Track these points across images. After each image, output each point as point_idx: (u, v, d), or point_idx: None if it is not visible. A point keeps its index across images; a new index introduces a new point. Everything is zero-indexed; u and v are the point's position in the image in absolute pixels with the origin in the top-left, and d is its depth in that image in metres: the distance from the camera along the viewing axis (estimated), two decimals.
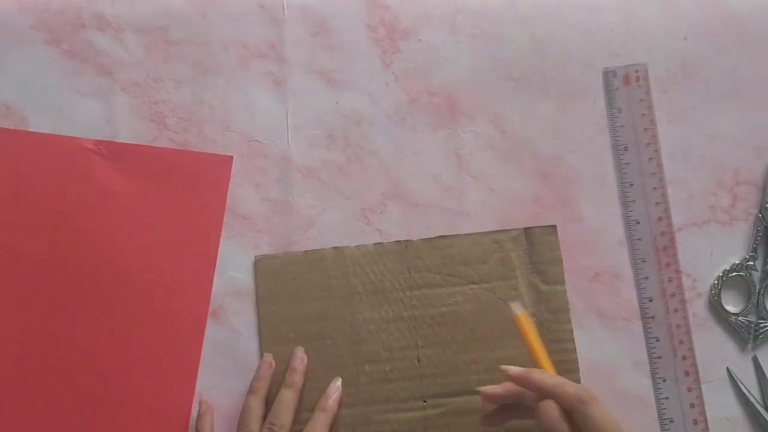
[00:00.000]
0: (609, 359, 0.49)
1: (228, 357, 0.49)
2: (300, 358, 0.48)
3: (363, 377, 0.49)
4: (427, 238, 0.50)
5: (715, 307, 0.50)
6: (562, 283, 0.50)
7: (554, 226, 0.50)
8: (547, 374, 0.42)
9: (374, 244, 0.50)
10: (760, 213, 0.50)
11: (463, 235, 0.50)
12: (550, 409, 0.40)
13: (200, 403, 0.49)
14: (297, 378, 0.48)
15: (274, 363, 0.48)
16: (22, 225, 0.50)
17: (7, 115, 0.52)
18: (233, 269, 0.50)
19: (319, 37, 0.53)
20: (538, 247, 0.50)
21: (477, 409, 0.48)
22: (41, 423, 0.48)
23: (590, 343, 0.49)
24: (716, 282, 0.50)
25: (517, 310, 0.46)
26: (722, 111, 0.52)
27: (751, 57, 0.53)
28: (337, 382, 0.48)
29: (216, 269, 0.50)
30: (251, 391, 0.47)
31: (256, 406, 0.47)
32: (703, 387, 0.49)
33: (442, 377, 0.49)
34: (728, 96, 0.52)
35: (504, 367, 0.43)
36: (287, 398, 0.47)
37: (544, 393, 0.41)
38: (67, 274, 0.50)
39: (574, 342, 0.49)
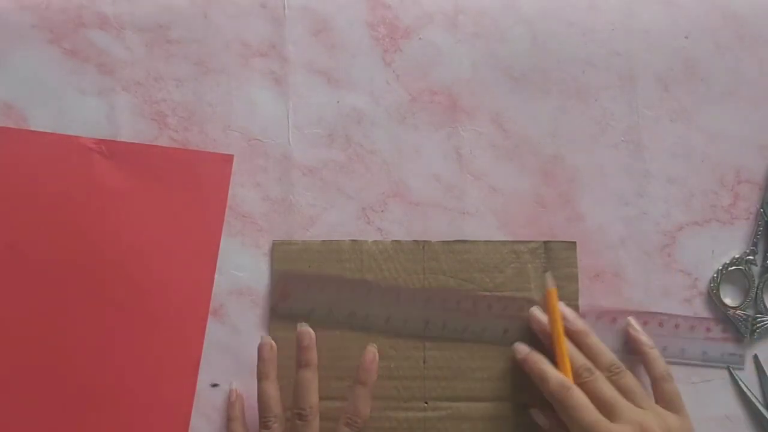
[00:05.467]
0: None
1: (229, 356, 0.50)
2: (306, 333, 0.46)
3: None
4: (445, 241, 0.50)
5: (713, 300, 0.50)
6: (576, 299, 0.49)
7: (574, 243, 0.50)
8: (539, 363, 0.46)
9: (392, 241, 0.50)
10: (762, 208, 0.50)
11: (482, 241, 0.50)
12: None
13: (230, 392, 0.49)
14: (311, 355, 0.46)
15: (274, 344, 0.47)
16: (23, 224, 0.50)
17: (8, 114, 0.52)
18: (234, 268, 0.50)
19: (320, 36, 0.53)
20: (555, 261, 0.50)
21: (477, 416, 0.48)
22: (42, 420, 0.49)
23: None
24: (716, 275, 0.50)
25: (551, 283, 0.47)
26: (724, 110, 0.52)
27: (753, 55, 0.52)
28: (374, 349, 0.47)
29: (217, 268, 0.50)
30: (262, 376, 0.46)
31: (272, 390, 0.46)
32: (703, 386, 0.49)
33: (446, 381, 0.49)
34: (730, 95, 0.52)
35: (517, 344, 0.47)
36: (307, 379, 0.45)
37: (533, 379, 0.46)
38: (68, 273, 0.50)
39: None
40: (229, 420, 0.48)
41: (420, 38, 0.53)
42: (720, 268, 0.50)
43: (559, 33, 0.53)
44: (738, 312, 0.49)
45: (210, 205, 0.51)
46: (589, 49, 0.53)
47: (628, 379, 0.45)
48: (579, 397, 0.43)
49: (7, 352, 0.49)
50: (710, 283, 0.50)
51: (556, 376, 0.45)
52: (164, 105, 0.52)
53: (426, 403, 0.49)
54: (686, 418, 0.45)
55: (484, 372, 0.49)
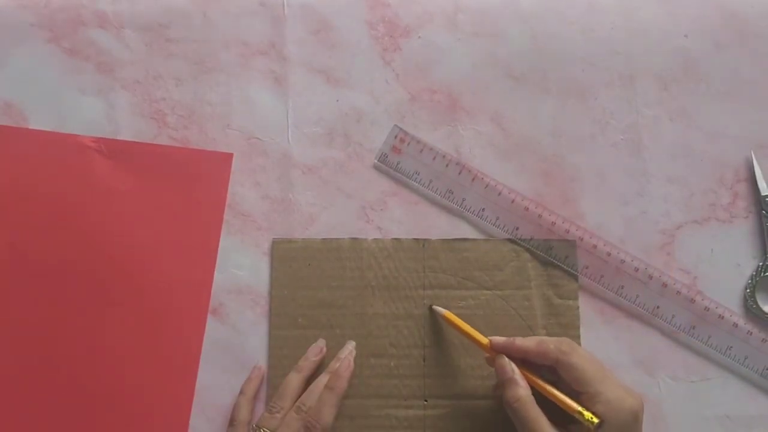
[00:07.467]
0: (610, 357, 0.49)
1: (228, 354, 0.49)
2: (317, 347, 0.49)
3: (367, 370, 0.49)
4: (445, 239, 0.50)
5: (749, 307, 0.49)
6: (576, 298, 0.50)
7: (574, 241, 0.50)
8: (527, 338, 0.44)
9: (392, 239, 0.50)
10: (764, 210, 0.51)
11: (482, 239, 0.50)
12: (504, 361, 0.44)
13: (254, 368, 0.49)
14: (306, 365, 0.48)
15: (325, 349, 0.48)
16: (23, 222, 0.50)
17: (8, 113, 0.52)
18: (234, 267, 0.50)
19: (320, 35, 0.53)
20: (555, 260, 0.50)
21: (477, 414, 0.48)
22: (40, 420, 0.48)
23: (592, 342, 0.49)
24: (750, 281, 0.50)
25: (441, 310, 0.48)
26: (723, 109, 0.52)
27: (752, 55, 0.53)
28: (351, 357, 0.48)
29: (216, 266, 0.50)
30: (296, 369, 0.47)
31: (296, 384, 0.46)
32: (703, 384, 0.49)
33: (445, 379, 0.49)
34: (729, 94, 0.52)
35: (492, 338, 0.45)
36: (323, 382, 0.46)
37: (528, 354, 0.43)
38: (68, 272, 0.50)
39: None
40: (240, 393, 0.48)
41: (419, 37, 0.53)
42: (753, 273, 0.50)
43: (559, 32, 0.53)
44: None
45: (209, 204, 0.51)
46: (588, 48, 0.53)
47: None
48: (584, 355, 0.43)
49: (7, 351, 0.49)
50: (745, 290, 0.50)
51: (555, 339, 0.43)
52: (164, 104, 0.52)
53: (426, 401, 0.49)
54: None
55: (484, 370, 0.49)
